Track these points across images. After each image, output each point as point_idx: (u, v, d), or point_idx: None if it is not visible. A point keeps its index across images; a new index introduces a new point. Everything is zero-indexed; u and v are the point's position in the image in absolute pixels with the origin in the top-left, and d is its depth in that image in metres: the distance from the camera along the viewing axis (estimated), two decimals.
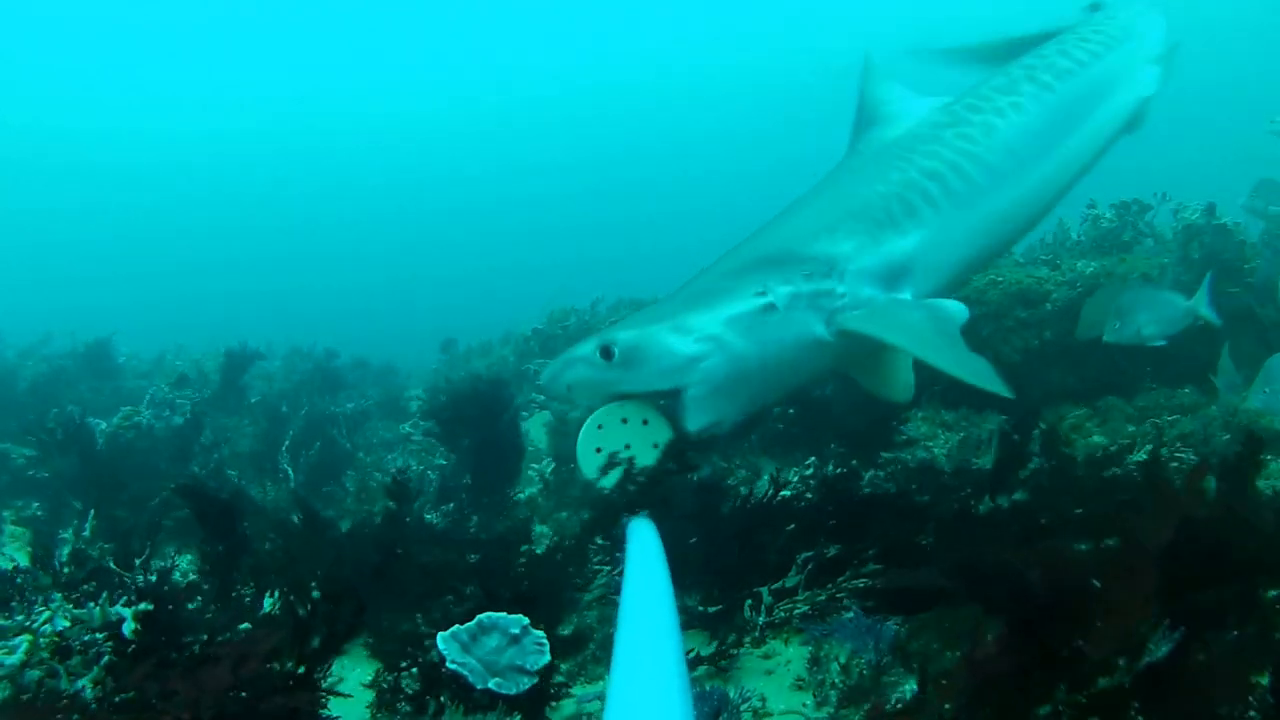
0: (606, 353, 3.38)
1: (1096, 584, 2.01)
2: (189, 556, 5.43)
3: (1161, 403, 5.53)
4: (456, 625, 3.17)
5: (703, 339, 3.37)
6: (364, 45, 65.21)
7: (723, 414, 3.43)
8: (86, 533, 5.72)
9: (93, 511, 6.11)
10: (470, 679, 3.08)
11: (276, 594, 3.60)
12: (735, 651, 3.44)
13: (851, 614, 3.40)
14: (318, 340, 12.22)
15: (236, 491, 4.38)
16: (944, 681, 2.12)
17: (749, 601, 3.67)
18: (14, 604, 3.47)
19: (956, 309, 3.48)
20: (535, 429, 8.17)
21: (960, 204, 3.61)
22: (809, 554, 3.64)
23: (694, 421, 3.39)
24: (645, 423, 3.45)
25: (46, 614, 2.94)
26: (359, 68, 65.58)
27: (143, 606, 3.07)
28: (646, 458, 3.38)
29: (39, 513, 6.57)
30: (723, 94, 62.21)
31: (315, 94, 65.08)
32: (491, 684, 3.09)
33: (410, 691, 3.24)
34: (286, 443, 7.35)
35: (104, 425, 7.80)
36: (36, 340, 12.81)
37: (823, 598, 3.57)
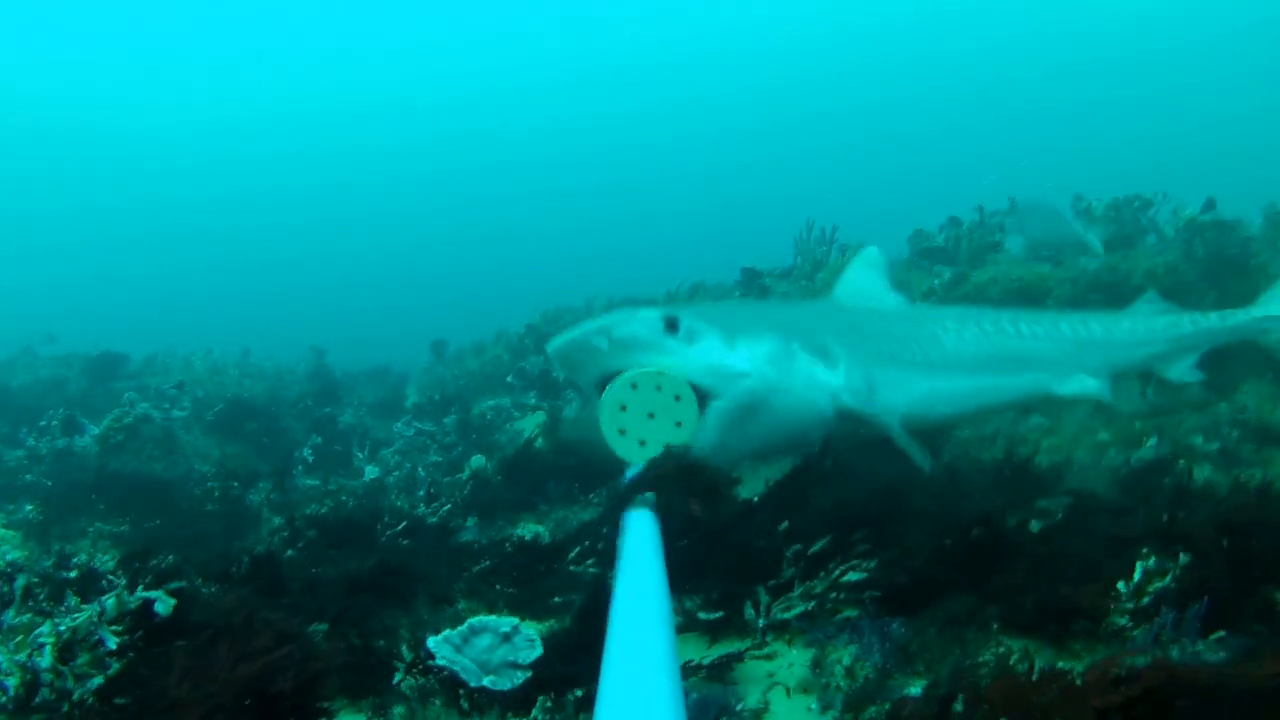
0: (672, 324, 3.56)
1: None
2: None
3: (1168, 399, 5.46)
4: (448, 630, 3.13)
5: (751, 360, 3.68)
6: (355, 42, 65.00)
7: (731, 440, 3.63)
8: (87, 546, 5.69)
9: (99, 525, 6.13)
10: (464, 676, 3.03)
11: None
12: (736, 654, 3.35)
13: (854, 615, 3.33)
14: (308, 340, 12.18)
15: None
16: None
17: (748, 602, 3.59)
18: (28, 603, 3.38)
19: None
20: (529, 430, 8.09)
21: (903, 368, 4.33)
22: (799, 546, 3.57)
23: (709, 434, 3.53)
24: (677, 399, 3.43)
25: (89, 611, 2.84)
26: (349, 67, 65.34)
27: (174, 585, 3.10)
28: (667, 432, 3.40)
29: (32, 515, 6.45)
30: (717, 92, 62.18)
31: (307, 91, 64.86)
32: (486, 681, 3.03)
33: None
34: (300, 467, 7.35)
35: (95, 429, 7.73)
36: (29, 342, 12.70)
37: (819, 589, 3.50)
